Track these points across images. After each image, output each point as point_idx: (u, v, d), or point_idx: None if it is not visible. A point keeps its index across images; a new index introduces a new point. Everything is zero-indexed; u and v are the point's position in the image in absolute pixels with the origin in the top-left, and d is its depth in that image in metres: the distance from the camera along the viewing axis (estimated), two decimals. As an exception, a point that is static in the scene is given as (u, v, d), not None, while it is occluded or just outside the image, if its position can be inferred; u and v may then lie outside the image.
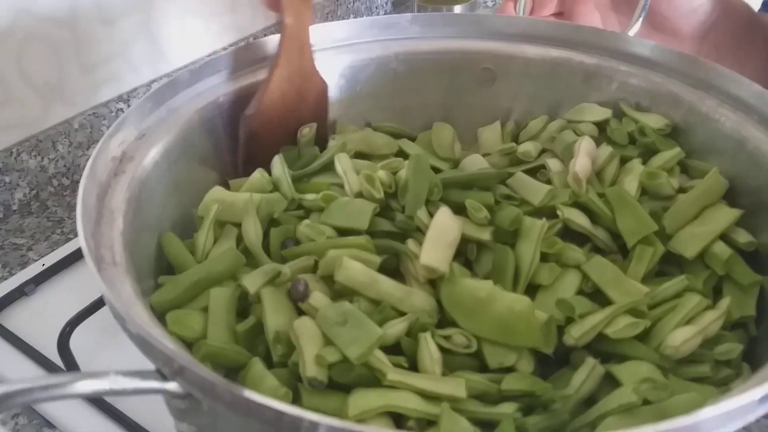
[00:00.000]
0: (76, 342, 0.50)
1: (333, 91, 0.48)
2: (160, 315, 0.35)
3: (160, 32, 0.71)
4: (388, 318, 0.34)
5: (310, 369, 0.31)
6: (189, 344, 0.34)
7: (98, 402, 0.47)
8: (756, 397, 0.25)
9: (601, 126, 0.45)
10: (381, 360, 0.31)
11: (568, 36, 0.47)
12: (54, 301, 0.56)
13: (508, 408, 0.32)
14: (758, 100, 0.40)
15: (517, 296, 0.34)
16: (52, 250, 0.60)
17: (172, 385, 0.27)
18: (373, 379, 0.31)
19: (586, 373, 0.33)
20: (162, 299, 0.35)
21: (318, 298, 0.34)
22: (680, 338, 0.34)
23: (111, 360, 0.50)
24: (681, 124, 0.43)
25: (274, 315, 0.33)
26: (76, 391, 0.25)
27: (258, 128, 0.43)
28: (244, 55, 0.45)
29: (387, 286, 0.34)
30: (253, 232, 0.38)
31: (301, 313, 0.35)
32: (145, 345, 0.27)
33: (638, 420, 0.31)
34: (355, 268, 0.34)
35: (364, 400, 0.30)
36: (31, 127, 0.65)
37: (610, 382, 0.33)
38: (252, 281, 0.35)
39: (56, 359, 0.50)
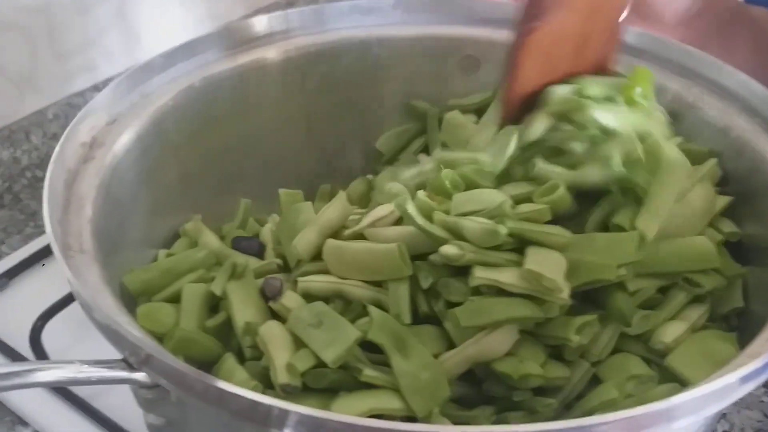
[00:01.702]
0: (48, 336, 0.49)
1: (315, 76, 0.47)
2: (129, 303, 0.34)
3: (136, 20, 0.70)
4: (360, 316, 0.32)
5: (282, 376, 0.30)
6: (159, 338, 0.33)
7: (73, 398, 0.46)
8: (736, 378, 0.25)
9: None
10: (357, 357, 0.30)
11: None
12: (26, 296, 0.55)
13: (485, 411, 0.32)
14: (742, 88, 0.39)
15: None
16: (26, 243, 0.59)
17: (139, 375, 0.26)
18: (350, 380, 0.31)
19: (578, 377, 0.33)
20: (135, 279, 0.35)
21: (291, 297, 0.33)
22: (672, 335, 0.33)
23: (84, 354, 0.48)
24: (667, 111, 0.42)
25: (242, 308, 0.33)
26: (38, 379, 0.24)
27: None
28: (221, 40, 0.44)
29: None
30: (213, 239, 0.39)
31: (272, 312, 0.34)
32: (110, 333, 0.26)
33: (621, 412, 0.30)
34: None
35: (347, 406, 0.29)
36: (3, 117, 0.63)
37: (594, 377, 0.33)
38: (217, 283, 0.34)
39: (29, 354, 0.49)
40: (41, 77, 0.65)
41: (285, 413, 0.23)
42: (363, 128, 0.50)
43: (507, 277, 0.31)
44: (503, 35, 0.48)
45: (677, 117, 0.42)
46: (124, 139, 0.38)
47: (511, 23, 0.46)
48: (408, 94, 0.49)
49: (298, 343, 0.31)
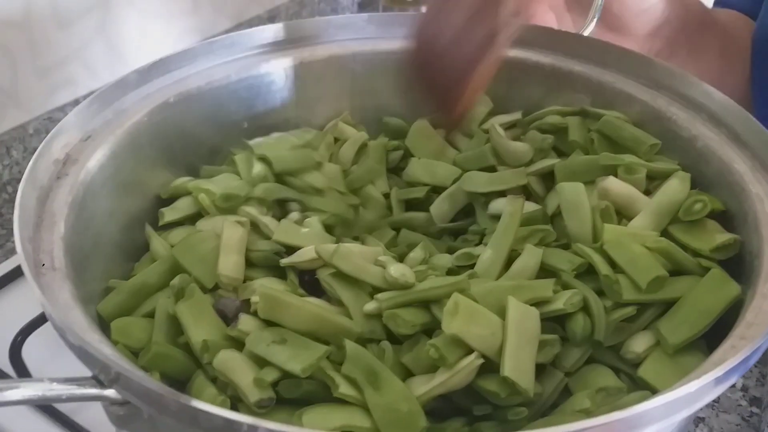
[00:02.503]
0: (29, 352, 0.49)
1: (290, 92, 0.47)
2: (106, 322, 0.34)
3: (118, 35, 0.70)
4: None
5: (253, 394, 0.30)
6: (135, 353, 0.33)
7: (53, 412, 0.46)
8: (711, 379, 0.26)
9: (561, 126, 0.45)
10: (327, 372, 0.30)
11: (523, 36, 0.47)
12: (7, 311, 0.55)
13: (457, 423, 0.32)
14: (706, 98, 0.40)
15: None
16: (7, 258, 0.59)
17: (109, 392, 0.26)
18: (323, 390, 0.31)
19: (552, 387, 0.33)
20: (107, 305, 0.35)
21: (247, 322, 0.32)
22: (643, 345, 0.34)
23: (65, 369, 0.48)
24: (635, 123, 0.43)
25: (196, 328, 0.33)
26: (7, 398, 0.24)
27: None
28: (195, 56, 0.44)
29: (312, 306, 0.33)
30: (162, 247, 0.39)
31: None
32: (80, 351, 0.26)
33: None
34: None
35: (319, 419, 0.29)
36: (-16, 132, 0.63)
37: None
38: (169, 304, 0.34)
39: (9, 369, 0.49)
40: (22, 92, 0.65)
41: (253, 429, 0.23)
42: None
43: (477, 342, 0.31)
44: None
45: (645, 128, 0.42)
46: (98, 156, 0.38)
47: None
48: (382, 107, 0.50)
49: (261, 364, 0.31)
